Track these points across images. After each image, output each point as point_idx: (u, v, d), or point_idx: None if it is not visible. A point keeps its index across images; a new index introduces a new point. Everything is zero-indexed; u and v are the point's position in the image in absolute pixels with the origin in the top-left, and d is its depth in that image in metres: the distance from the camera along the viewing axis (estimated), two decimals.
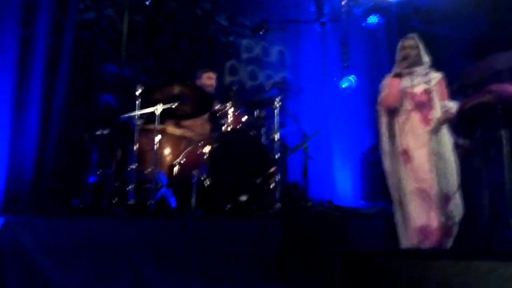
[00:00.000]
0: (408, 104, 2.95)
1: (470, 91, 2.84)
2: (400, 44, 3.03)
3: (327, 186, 4.18)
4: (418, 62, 2.96)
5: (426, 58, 2.99)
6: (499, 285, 1.01)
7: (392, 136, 2.98)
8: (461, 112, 2.77)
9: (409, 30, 5.40)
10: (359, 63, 5.89)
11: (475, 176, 2.92)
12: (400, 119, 2.97)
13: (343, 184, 5.49)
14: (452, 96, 2.96)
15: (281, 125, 4.26)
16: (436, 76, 2.98)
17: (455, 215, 2.78)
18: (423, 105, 2.93)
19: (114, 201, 3.00)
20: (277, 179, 3.64)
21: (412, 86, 2.95)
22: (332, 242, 3.07)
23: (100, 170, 3.48)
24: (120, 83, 3.80)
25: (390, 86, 2.98)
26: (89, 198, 3.38)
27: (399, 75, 2.96)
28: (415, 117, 2.92)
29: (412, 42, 2.99)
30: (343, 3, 5.76)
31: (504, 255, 1.07)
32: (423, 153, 2.85)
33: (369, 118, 5.95)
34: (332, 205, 3.91)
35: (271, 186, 3.55)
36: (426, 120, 2.90)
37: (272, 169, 3.54)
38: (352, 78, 5.79)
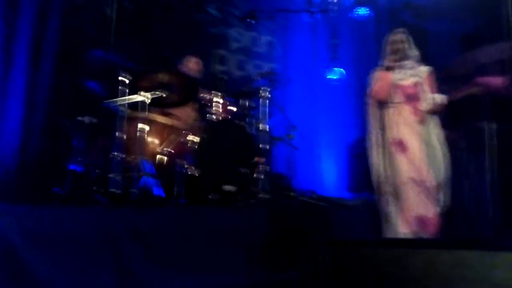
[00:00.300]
0: (398, 97, 3.02)
1: (456, 83, 2.87)
2: (389, 38, 3.07)
3: (312, 177, 4.19)
4: (407, 56, 3.03)
5: (414, 52, 3.06)
6: (483, 274, 1.02)
7: (383, 128, 3.02)
8: (448, 104, 2.82)
9: (399, 24, 5.43)
10: (347, 55, 5.89)
11: (457, 166, 2.97)
12: (390, 111, 3.03)
13: (328, 175, 5.51)
14: (439, 87, 3.01)
15: (269, 115, 4.25)
16: (425, 70, 3.04)
17: (444, 205, 2.87)
18: (413, 98, 2.99)
19: (96, 189, 2.94)
20: (263, 169, 3.63)
21: (402, 79, 3.02)
22: (317, 232, 3.07)
23: (83, 158, 3.42)
24: (106, 69, 3.72)
25: (380, 79, 3.03)
26: (71, 186, 3.32)
27: (389, 68, 3.01)
28: (406, 109, 2.99)
29: (402, 36, 3.04)
30: None
31: (487, 244, 1.07)
32: (417, 144, 2.93)
33: (356, 110, 5.98)
34: (316, 195, 3.92)
35: (257, 176, 3.53)
36: (416, 112, 2.97)
37: (258, 159, 3.53)
38: (340, 70, 5.79)
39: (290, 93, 5.53)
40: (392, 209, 2.92)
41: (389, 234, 2.89)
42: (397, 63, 3.02)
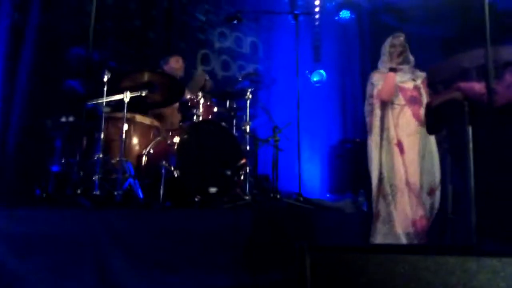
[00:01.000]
0: (401, 99, 3.08)
1: (439, 87, 2.91)
2: (393, 41, 3.13)
3: (296, 179, 4.20)
4: (407, 60, 3.13)
5: (411, 57, 3.16)
6: (465, 279, 1.04)
7: (385, 128, 3.07)
8: (429, 108, 2.85)
9: (380, 27, 5.52)
10: (330, 57, 5.94)
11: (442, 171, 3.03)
12: (393, 112, 3.08)
13: (311, 176, 5.54)
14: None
15: (253, 116, 4.25)
16: (421, 75, 3.14)
17: (437, 208, 2.94)
18: (414, 101, 3.08)
19: (78, 191, 2.89)
20: (247, 171, 3.63)
21: (404, 82, 3.10)
22: (301, 235, 3.09)
23: (64, 159, 3.36)
24: (87, 68, 3.66)
25: (386, 80, 3.08)
26: (52, 188, 3.26)
27: (394, 70, 3.08)
28: (408, 111, 3.06)
29: (402, 40, 3.12)
30: None
31: (469, 250, 1.09)
32: (415, 148, 3.00)
33: (339, 112, 6.04)
34: (301, 197, 3.93)
35: (241, 178, 3.53)
36: (417, 115, 3.04)
37: (243, 161, 3.53)
38: (322, 72, 5.85)
39: (275, 95, 5.54)
40: (391, 209, 2.95)
41: (384, 233, 2.93)
42: (400, 66, 3.10)
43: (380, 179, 3.02)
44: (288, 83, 5.16)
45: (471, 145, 2.45)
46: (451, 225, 2.80)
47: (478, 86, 2.46)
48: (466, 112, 2.50)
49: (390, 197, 2.95)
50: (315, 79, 5.86)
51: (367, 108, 3.21)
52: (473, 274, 1.05)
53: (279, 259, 2.72)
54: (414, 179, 2.96)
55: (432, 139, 3.03)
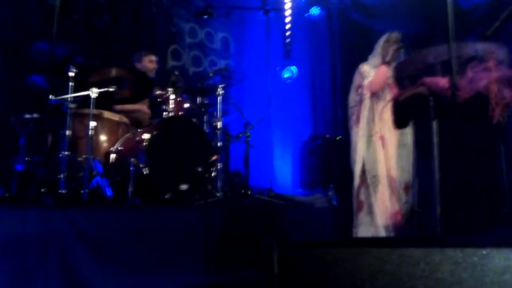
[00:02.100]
0: (387, 94, 3.13)
1: (405, 82, 2.96)
2: (386, 37, 3.19)
3: (267, 175, 4.21)
4: (398, 58, 3.15)
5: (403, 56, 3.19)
6: (429, 270, 1.06)
7: (370, 120, 3.12)
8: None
9: (350, 23, 5.59)
10: (301, 53, 5.98)
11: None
12: (378, 107, 3.12)
13: (283, 172, 5.58)
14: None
15: (224, 112, 4.22)
16: None
17: (409, 205, 2.99)
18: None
19: (42, 190, 2.80)
20: (218, 168, 3.61)
21: (390, 78, 3.14)
22: (273, 230, 3.10)
23: (29, 157, 3.25)
24: (51, 63, 3.55)
25: (379, 72, 3.13)
26: (16, 187, 3.15)
27: (387, 63, 3.12)
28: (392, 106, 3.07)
29: (398, 38, 3.17)
30: None
31: (433, 242, 1.12)
32: (394, 142, 3.06)
33: (309, 108, 6.09)
34: (273, 193, 3.95)
35: (212, 175, 3.51)
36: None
37: (214, 157, 3.50)
38: (293, 68, 5.88)
39: (246, 91, 5.53)
40: (372, 200, 2.99)
41: (367, 224, 2.98)
42: (393, 62, 3.14)
43: (363, 170, 3.06)
44: (260, 79, 5.17)
45: (436, 139, 2.51)
46: (417, 218, 2.87)
47: (442, 81, 2.52)
48: (432, 107, 2.56)
49: (371, 189, 3.00)
50: (286, 75, 5.89)
51: (355, 98, 3.24)
52: (436, 265, 1.08)
53: (251, 256, 2.72)
54: (394, 173, 3.01)
55: (409, 137, 3.09)
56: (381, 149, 3.05)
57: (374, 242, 1.13)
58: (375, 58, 3.22)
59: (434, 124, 2.57)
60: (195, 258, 2.66)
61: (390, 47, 3.14)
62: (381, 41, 3.21)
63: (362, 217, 3.03)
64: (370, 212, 2.99)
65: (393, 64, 3.14)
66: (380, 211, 2.96)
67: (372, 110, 3.14)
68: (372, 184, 3.01)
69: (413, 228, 2.96)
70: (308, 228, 3.36)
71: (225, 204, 3.41)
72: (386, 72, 3.13)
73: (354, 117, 3.22)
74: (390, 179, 3.01)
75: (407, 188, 3.04)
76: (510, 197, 2.76)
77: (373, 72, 3.17)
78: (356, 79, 3.27)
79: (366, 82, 3.17)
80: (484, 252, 1.12)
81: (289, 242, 1.09)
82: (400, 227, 2.97)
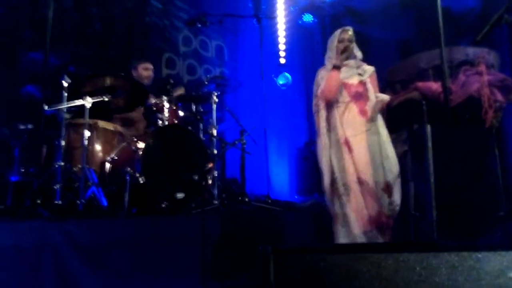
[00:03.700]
0: (346, 95, 2.99)
1: (397, 87, 2.98)
2: (340, 36, 3.02)
3: (264, 181, 4.21)
4: (352, 55, 3.04)
5: (359, 52, 3.08)
6: (426, 275, 1.06)
7: (332, 128, 2.99)
8: (388, 107, 2.89)
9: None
10: (295, 60, 6.01)
11: (401, 169, 3.05)
12: (338, 111, 2.99)
13: (279, 179, 5.58)
14: (382, 91, 3.09)
15: (219, 120, 4.23)
16: (369, 69, 3.04)
17: (397, 204, 2.84)
18: (360, 96, 2.99)
19: (38, 201, 2.78)
20: (215, 175, 3.60)
21: (348, 78, 3.01)
22: (271, 238, 3.09)
23: (24, 168, 3.24)
24: (45, 73, 3.55)
25: (329, 79, 3.00)
26: (12, 199, 3.13)
27: (337, 68, 3.00)
28: (353, 107, 2.97)
29: (351, 35, 3.03)
30: (279, 0, 5.85)
31: (428, 246, 1.12)
32: (362, 144, 2.90)
33: (304, 114, 6.12)
34: (270, 199, 3.94)
35: (209, 182, 3.50)
36: (363, 111, 2.95)
37: (210, 165, 3.50)
38: (288, 75, 5.91)
39: (241, 98, 5.54)
40: (346, 210, 2.84)
41: (343, 236, 2.84)
42: (344, 62, 3.01)
43: (333, 180, 2.93)
44: (254, 86, 5.18)
45: (430, 143, 2.53)
46: (414, 222, 2.86)
47: (435, 86, 2.54)
48: (425, 111, 2.58)
49: (344, 198, 2.86)
50: (281, 82, 5.92)
51: (314, 108, 3.14)
52: (433, 269, 1.08)
53: (248, 264, 2.71)
54: (366, 176, 2.86)
55: (384, 134, 2.92)
56: (348, 154, 2.90)
57: (370, 247, 1.14)
58: (329, 61, 3.07)
59: (428, 128, 2.59)
60: (192, 267, 2.64)
61: (342, 46, 3.00)
62: (335, 41, 3.05)
63: (338, 229, 2.88)
64: (346, 223, 2.84)
65: (346, 64, 3.00)
66: (356, 219, 2.80)
67: (331, 118, 3.01)
68: (344, 194, 2.86)
69: (405, 231, 2.93)
70: (305, 235, 3.35)
71: (222, 211, 3.40)
72: (337, 77, 2.99)
73: (316, 128, 3.13)
74: (363, 183, 2.85)
75: (388, 187, 2.85)
76: (505, 200, 2.78)
77: (325, 79, 3.04)
78: (314, 88, 3.14)
79: (319, 91, 3.05)
80: (480, 256, 1.13)
81: (285, 249, 1.09)
82: (386, 229, 2.82)
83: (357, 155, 2.89)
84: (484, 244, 1.16)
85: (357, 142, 2.91)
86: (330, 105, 3.02)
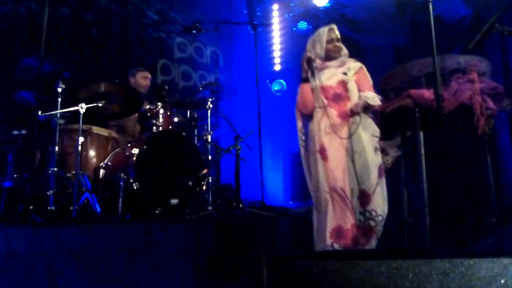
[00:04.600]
0: (322, 100, 2.79)
1: (390, 94, 2.99)
2: (327, 35, 2.86)
3: (258, 187, 4.22)
4: (338, 54, 2.89)
5: (345, 50, 2.93)
6: (418, 282, 1.07)
7: (310, 137, 2.85)
8: (381, 115, 2.89)
9: None
10: (290, 66, 6.04)
11: (394, 175, 3.05)
12: (316, 117, 2.82)
13: (274, 184, 5.58)
14: None
15: (214, 126, 4.23)
16: (354, 66, 2.84)
17: (378, 213, 2.64)
18: (339, 97, 2.78)
19: (32, 207, 2.76)
20: (209, 181, 3.60)
21: (327, 80, 2.82)
22: (265, 244, 3.09)
23: (17, 174, 3.22)
24: (39, 78, 3.55)
25: (301, 91, 2.87)
26: (5, 204, 3.11)
27: (306, 80, 2.85)
28: (332, 111, 2.76)
29: (338, 33, 2.90)
30: (274, 7, 5.89)
31: (421, 253, 1.13)
32: (339, 150, 2.71)
33: None
34: (264, 205, 3.94)
35: (203, 188, 3.50)
36: (343, 114, 2.75)
37: (204, 171, 3.50)
38: (282, 81, 5.94)
39: (236, 104, 5.56)
40: (322, 221, 2.69)
41: (317, 246, 2.70)
42: (326, 63, 2.84)
43: (312, 190, 2.81)
44: (249, 93, 5.20)
45: (423, 150, 2.55)
46: (407, 229, 2.87)
47: (427, 93, 2.56)
48: (417, 118, 2.60)
49: (321, 209, 2.70)
50: (275, 88, 5.94)
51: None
52: (425, 276, 1.09)
53: (241, 270, 2.71)
54: (342, 184, 2.66)
55: (365, 138, 2.72)
56: (321, 164, 2.72)
57: (362, 254, 1.14)
58: (303, 71, 2.88)
59: (421, 135, 2.61)
60: (186, 273, 2.63)
61: (328, 48, 2.85)
62: (314, 42, 2.92)
63: (316, 238, 2.74)
64: (321, 233, 2.67)
65: (326, 66, 2.85)
66: (328, 230, 2.62)
67: (312, 125, 2.85)
68: (321, 204, 2.70)
69: (400, 238, 2.92)
70: (299, 241, 3.35)
71: (216, 217, 3.40)
72: (308, 90, 2.83)
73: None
74: (338, 192, 2.66)
75: (365, 196, 2.65)
76: (497, 207, 2.80)
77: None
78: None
79: (296, 104, 2.92)
80: (471, 262, 1.14)
81: (278, 256, 1.10)
82: (352, 238, 2.62)
83: (333, 163, 2.70)
84: (476, 251, 1.17)
85: (335, 148, 2.72)
86: (308, 116, 2.89)
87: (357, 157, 2.69)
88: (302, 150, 2.94)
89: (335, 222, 2.65)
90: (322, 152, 2.75)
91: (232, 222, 3.37)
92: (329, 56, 2.88)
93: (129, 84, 4.11)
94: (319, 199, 2.73)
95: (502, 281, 1.11)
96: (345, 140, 2.72)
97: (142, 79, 4.23)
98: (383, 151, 3.17)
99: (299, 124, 2.94)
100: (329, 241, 2.62)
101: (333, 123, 2.73)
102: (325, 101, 2.78)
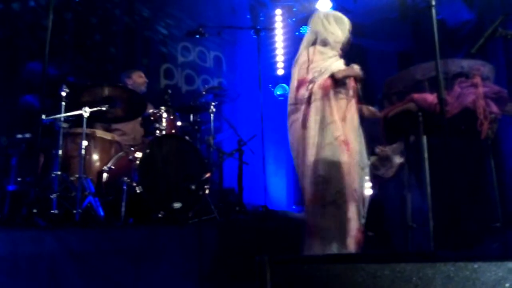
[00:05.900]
0: (350, 90, 2.61)
1: (394, 98, 2.99)
2: (349, 26, 2.78)
3: (261, 191, 4.22)
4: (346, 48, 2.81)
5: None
6: (422, 286, 1.07)
7: (327, 123, 2.52)
8: (385, 119, 2.88)
9: None
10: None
11: (395, 180, 3.03)
12: (340, 104, 2.57)
13: (277, 189, 5.58)
14: (378, 103, 3.09)
15: (217, 130, 4.24)
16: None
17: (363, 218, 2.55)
18: (356, 94, 2.67)
19: (35, 211, 2.77)
20: (212, 185, 3.60)
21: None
22: (268, 248, 3.08)
23: (21, 178, 3.23)
24: (43, 82, 3.57)
25: (322, 85, 2.60)
26: (8, 208, 3.12)
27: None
28: (354, 106, 2.63)
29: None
30: (276, 12, 5.91)
31: (425, 256, 1.13)
32: (356, 149, 2.56)
33: None
34: (267, 210, 3.94)
35: (206, 192, 3.50)
36: (358, 111, 2.66)
37: (207, 175, 3.50)
38: (285, 85, 5.94)
39: (239, 108, 5.57)
40: (332, 222, 2.46)
41: (319, 251, 2.45)
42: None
43: (316, 184, 2.46)
44: (252, 97, 5.21)
45: (426, 155, 2.54)
46: (411, 233, 2.86)
47: (430, 97, 2.56)
48: (421, 122, 2.60)
49: (331, 208, 2.41)
50: (278, 92, 5.94)
51: (302, 93, 2.66)
52: (429, 280, 1.08)
53: (245, 274, 2.70)
54: (356, 185, 2.48)
55: (363, 141, 2.63)
56: (346, 157, 2.44)
57: (366, 258, 1.14)
58: (328, 50, 2.75)
59: (424, 140, 2.60)
60: (189, 277, 2.63)
61: (347, 39, 2.78)
62: (346, 30, 2.82)
63: (315, 243, 2.46)
64: (324, 239, 2.42)
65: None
66: (344, 233, 2.40)
67: (325, 112, 2.53)
68: (335, 203, 2.41)
69: (405, 243, 2.91)
70: (302, 245, 3.34)
71: (219, 221, 3.40)
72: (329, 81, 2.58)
73: (295, 117, 2.69)
74: (356, 192, 2.48)
75: (364, 200, 2.57)
76: (501, 211, 2.79)
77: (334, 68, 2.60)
78: (301, 65, 2.67)
79: (320, 80, 2.56)
80: (475, 266, 1.14)
81: (282, 259, 1.10)
82: (361, 241, 2.50)
83: (354, 160, 2.50)
84: (480, 255, 1.17)
85: (355, 144, 2.52)
86: (328, 98, 2.54)
87: (361, 159, 2.62)
88: (315, 137, 2.51)
89: (353, 226, 2.45)
90: (346, 143, 2.50)
91: (235, 226, 3.36)
92: (343, 47, 2.76)
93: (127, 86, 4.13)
94: (339, 196, 2.42)
95: (507, 285, 1.10)
96: (360, 139, 2.62)
97: (139, 78, 4.26)
98: (388, 160, 3.17)
99: (319, 104, 2.55)
100: (351, 245, 2.38)
101: (353, 118, 2.59)
102: (352, 92, 2.64)
